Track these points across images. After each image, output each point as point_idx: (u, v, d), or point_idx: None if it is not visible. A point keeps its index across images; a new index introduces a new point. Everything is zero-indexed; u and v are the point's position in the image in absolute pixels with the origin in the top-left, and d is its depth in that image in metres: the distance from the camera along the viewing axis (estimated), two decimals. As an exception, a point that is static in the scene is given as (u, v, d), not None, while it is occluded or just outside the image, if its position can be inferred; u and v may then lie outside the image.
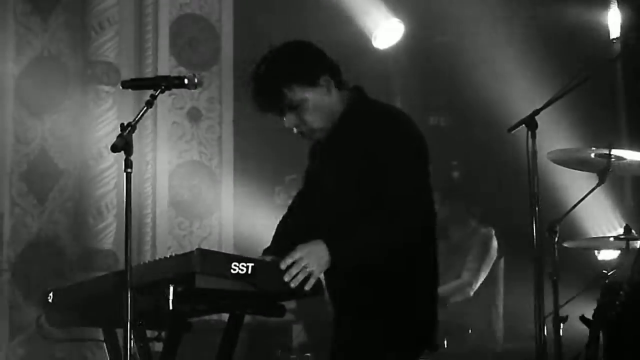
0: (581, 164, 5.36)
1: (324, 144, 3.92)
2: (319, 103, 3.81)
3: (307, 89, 3.79)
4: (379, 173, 3.68)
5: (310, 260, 3.56)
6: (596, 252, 6.34)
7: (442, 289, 6.23)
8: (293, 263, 3.55)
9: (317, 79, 3.80)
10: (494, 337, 6.29)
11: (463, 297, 6.23)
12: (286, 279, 3.53)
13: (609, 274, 4.98)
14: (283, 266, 3.54)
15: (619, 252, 5.40)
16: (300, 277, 3.54)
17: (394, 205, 3.65)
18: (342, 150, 3.83)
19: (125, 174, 3.54)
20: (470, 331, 6.00)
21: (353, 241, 3.65)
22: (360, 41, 7.57)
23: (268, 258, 3.86)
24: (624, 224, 5.36)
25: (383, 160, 3.69)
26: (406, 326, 3.74)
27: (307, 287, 3.55)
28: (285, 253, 3.66)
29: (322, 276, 3.72)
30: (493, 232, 6.41)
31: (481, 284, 6.34)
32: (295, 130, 3.87)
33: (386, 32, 7.72)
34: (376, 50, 7.76)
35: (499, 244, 6.43)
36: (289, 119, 3.84)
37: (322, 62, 3.86)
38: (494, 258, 6.35)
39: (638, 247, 5.08)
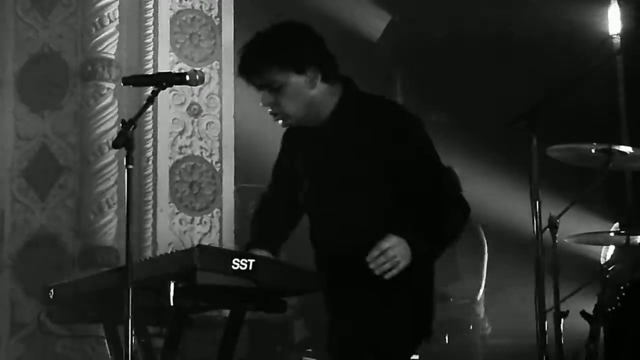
0: (581, 160, 5.36)
1: (314, 140, 3.87)
2: (299, 91, 3.76)
3: (290, 74, 3.75)
4: (409, 161, 3.70)
5: (398, 252, 3.59)
6: (597, 256, 6.36)
7: (446, 290, 6.25)
8: (381, 253, 3.58)
9: (304, 67, 3.75)
10: (480, 331, 6.28)
11: (470, 299, 6.21)
12: (372, 266, 3.56)
13: (609, 269, 4.98)
14: (370, 257, 3.57)
15: (619, 247, 5.40)
16: (387, 267, 3.58)
17: (447, 192, 3.72)
18: (349, 143, 3.79)
19: (126, 170, 3.54)
20: (471, 327, 5.99)
21: (430, 237, 3.68)
22: (361, 37, 7.57)
23: (265, 253, 3.85)
24: (624, 219, 5.36)
25: (409, 147, 3.71)
26: (405, 320, 3.74)
27: (387, 277, 3.57)
28: (277, 247, 3.68)
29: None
30: (479, 225, 6.38)
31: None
32: (269, 110, 3.83)
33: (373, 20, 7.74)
34: (377, 47, 7.77)
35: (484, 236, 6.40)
36: (265, 97, 3.80)
37: (315, 51, 3.81)
38: (486, 251, 6.33)
39: (638, 242, 5.08)
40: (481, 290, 6.24)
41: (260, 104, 3.83)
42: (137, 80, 4.03)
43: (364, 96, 3.89)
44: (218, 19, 7.60)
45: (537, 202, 4.49)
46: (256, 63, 3.77)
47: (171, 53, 7.40)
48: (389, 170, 3.71)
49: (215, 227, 7.45)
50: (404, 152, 3.71)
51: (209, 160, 7.46)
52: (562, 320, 4.76)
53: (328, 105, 3.82)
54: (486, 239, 6.40)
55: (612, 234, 5.41)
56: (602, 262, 6.26)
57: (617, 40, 6.68)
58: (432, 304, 3.85)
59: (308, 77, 3.76)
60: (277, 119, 3.86)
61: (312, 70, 3.77)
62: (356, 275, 3.70)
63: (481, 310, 6.34)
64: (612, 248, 5.98)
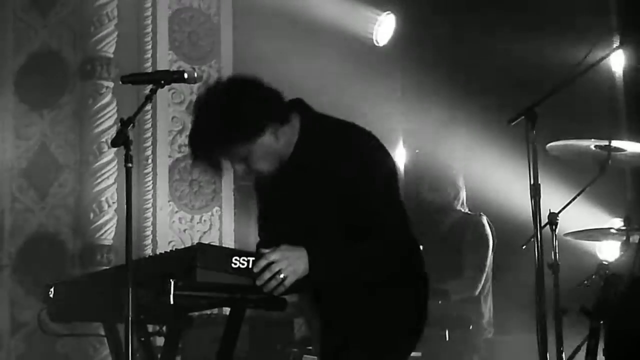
0: (581, 156, 5.36)
1: (283, 175, 3.78)
2: (268, 149, 3.66)
3: (252, 141, 3.63)
4: (350, 192, 3.62)
5: (285, 266, 3.50)
6: (597, 253, 6.35)
7: (446, 287, 6.23)
8: (267, 266, 3.50)
9: (261, 129, 3.63)
10: (486, 325, 6.26)
11: (469, 295, 6.18)
12: (258, 283, 3.49)
13: (609, 265, 4.97)
14: (256, 269, 3.48)
15: (619, 243, 5.39)
16: (273, 284, 3.49)
17: (374, 223, 3.62)
18: (306, 176, 3.73)
19: (125, 168, 3.54)
20: (471, 327, 5.97)
21: (334, 256, 3.60)
22: (360, 36, 7.57)
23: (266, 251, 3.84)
24: (624, 216, 5.36)
25: (352, 178, 3.63)
26: (399, 330, 3.74)
27: (276, 293, 3.50)
28: None
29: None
30: (485, 219, 6.36)
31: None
32: (242, 175, 3.76)
33: (381, 26, 7.73)
34: (375, 46, 7.76)
35: (491, 231, 6.36)
36: (237, 169, 3.72)
37: (265, 108, 3.65)
38: (491, 246, 6.29)
39: (638, 239, 5.08)
40: (480, 285, 6.20)
41: (236, 175, 3.78)
42: (136, 79, 4.02)
43: (321, 123, 3.78)
44: (217, 17, 7.60)
45: (537, 199, 4.48)
46: (214, 151, 3.67)
47: (170, 51, 7.40)
48: (340, 202, 3.66)
49: (215, 225, 7.45)
50: (340, 184, 3.63)
51: (209, 158, 7.46)
52: (562, 316, 4.76)
53: (291, 144, 3.75)
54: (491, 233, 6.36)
55: (612, 231, 5.40)
56: (601, 259, 6.26)
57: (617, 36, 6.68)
58: (423, 305, 3.84)
59: (271, 134, 3.66)
60: (250, 179, 3.83)
61: (272, 126, 3.66)
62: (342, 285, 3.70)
63: (486, 311, 6.28)
64: (610, 244, 5.97)
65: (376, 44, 7.84)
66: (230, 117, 3.60)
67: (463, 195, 6.49)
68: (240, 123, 3.60)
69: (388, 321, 3.72)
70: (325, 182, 3.68)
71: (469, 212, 6.45)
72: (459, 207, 6.44)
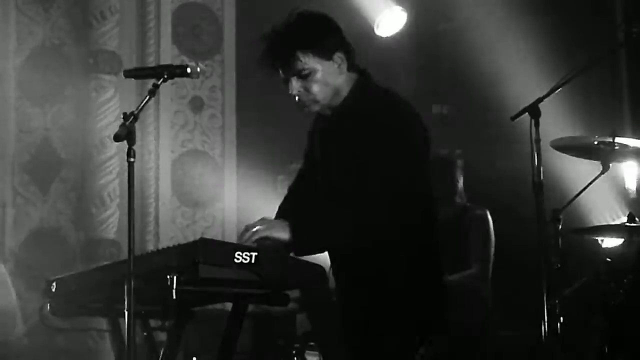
0: (584, 152, 5.35)
1: (323, 128, 3.91)
2: (328, 77, 3.78)
3: (321, 60, 3.77)
4: (362, 165, 3.68)
5: (264, 228, 3.62)
6: (600, 240, 6.33)
7: (451, 279, 6.22)
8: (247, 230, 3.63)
9: (332, 53, 3.78)
10: (483, 324, 6.25)
11: (480, 284, 6.16)
12: (237, 241, 3.61)
13: (612, 261, 4.97)
14: (238, 239, 3.61)
15: (622, 240, 5.38)
16: (247, 235, 3.61)
17: (363, 199, 3.64)
18: (339, 137, 3.82)
19: (127, 163, 3.53)
20: (465, 322, 5.95)
21: (316, 226, 3.66)
22: (363, 28, 7.55)
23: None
24: (628, 212, 5.35)
25: (367, 154, 3.68)
26: (407, 311, 3.72)
27: (253, 238, 3.60)
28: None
29: (326, 266, 3.72)
30: (488, 212, 6.34)
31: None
32: (296, 98, 3.83)
33: (389, 19, 7.70)
34: (379, 38, 7.74)
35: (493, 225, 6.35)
36: (294, 85, 3.80)
37: (340, 38, 3.84)
38: (494, 240, 6.28)
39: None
40: (487, 278, 6.18)
41: (290, 92, 3.83)
42: (138, 73, 4.02)
43: (373, 89, 3.89)
44: (220, 11, 7.59)
45: (540, 195, 4.47)
46: (286, 52, 3.78)
47: (173, 46, 7.39)
48: (348, 168, 3.74)
49: (218, 220, 7.45)
50: (368, 148, 3.69)
51: (211, 153, 7.46)
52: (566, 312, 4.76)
53: (343, 94, 3.85)
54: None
55: (616, 227, 5.40)
56: (604, 255, 6.25)
57: (621, 32, 6.67)
58: (436, 296, 3.82)
59: (336, 63, 3.80)
60: (303, 106, 3.86)
61: (339, 57, 3.80)
62: (352, 268, 3.72)
63: (473, 303, 6.26)
64: (614, 241, 5.97)
65: (381, 38, 7.82)
66: (310, 30, 3.78)
67: (460, 186, 6.48)
68: (317, 37, 3.76)
69: (397, 306, 3.71)
70: (350, 144, 3.75)
71: (470, 204, 6.43)
72: (456, 199, 6.43)
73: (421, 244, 3.78)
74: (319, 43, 3.77)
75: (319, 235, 3.67)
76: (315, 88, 3.78)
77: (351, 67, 3.84)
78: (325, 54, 3.77)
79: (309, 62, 3.76)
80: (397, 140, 3.72)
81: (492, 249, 6.25)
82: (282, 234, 3.62)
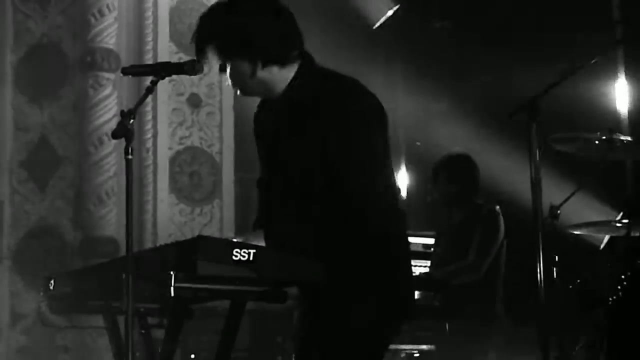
0: (582, 149, 5.35)
1: (270, 116, 3.78)
2: (242, 74, 3.70)
3: (232, 58, 3.71)
4: (314, 150, 3.59)
5: None
6: (597, 236, 6.34)
7: (447, 270, 6.22)
8: None
9: (243, 56, 3.68)
10: (499, 318, 6.23)
11: (471, 279, 6.13)
12: None
13: (609, 257, 4.97)
14: None
15: (620, 236, 5.39)
16: None
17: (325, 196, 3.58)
18: (290, 127, 3.69)
19: (125, 160, 3.53)
20: (467, 317, 5.95)
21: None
22: (360, 24, 7.56)
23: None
24: (625, 209, 5.36)
25: (327, 128, 3.57)
26: (376, 304, 3.69)
27: None
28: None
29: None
30: (499, 209, 6.33)
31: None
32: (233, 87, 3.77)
33: (381, 13, 7.73)
34: (376, 34, 7.75)
35: (504, 223, 6.31)
36: (230, 78, 3.75)
37: (263, 41, 3.67)
38: (502, 237, 6.25)
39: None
40: (483, 269, 6.16)
41: (226, 83, 3.79)
42: (136, 70, 4.02)
43: (317, 73, 3.73)
44: (217, 8, 7.57)
45: (538, 192, 4.47)
46: (202, 34, 3.74)
47: (170, 43, 7.39)
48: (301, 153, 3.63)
49: (216, 217, 7.45)
50: (313, 139, 3.59)
51: (209, 150, 7.46)
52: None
53: (283, 82, 3.71)
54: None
55: (613, 224, 5.40)
56: (602, 251, 6.26)
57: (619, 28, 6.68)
58: (400, 284, 3.76)
59: (249, 66, 3.68)
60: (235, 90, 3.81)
61: (252, 61, 3.68)
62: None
63: (499, 305, 6.23)
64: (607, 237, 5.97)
65: (374, 30, 7.82)
66: (231, 24, 3.68)
67: (479, 187, 6.49)
68: (233, 35, 3.66)
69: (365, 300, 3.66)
70: (304, 126, 3.63)
71: (482, 203, 6.43)
72: (475, 199, 6.44)
73: (380, 230, 3.65)
74: (229, 43, 3.69)
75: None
76: (233, 78, 3.73)
77: (280, 63, 3.67)
78: (236, 55, 3.69)
79: (217, 55, 3.74)
80: (352, 121, 3.59)
81: (495, 244, 6.23)
82: None
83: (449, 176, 6.40)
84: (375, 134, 3.65)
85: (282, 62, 3.68)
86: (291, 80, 3.70)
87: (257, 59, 3.67)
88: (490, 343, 6.10)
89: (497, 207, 6.32)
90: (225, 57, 3.72)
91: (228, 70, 3.77)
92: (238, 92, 3.82)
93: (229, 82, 3.80)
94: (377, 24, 7.75)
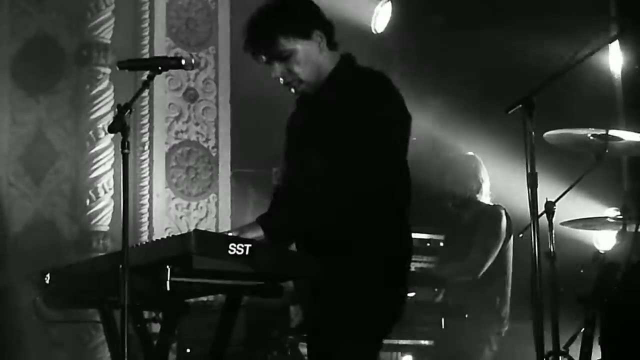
0: (578, 145, 5.36)
1: (307, 105, 3.94)
2: (309, 56, 3.84)
3: (299, 41, 3.83)
4: (344, 138, 3.70)
5: None
6: (594, 241, 6.35)
7: (447, 269, 6.22)
8: None
9: (310, 32, 3.85)
10: (500, 319, 6.22)
11: (470, 278, 6.14)
12: None
13: (605, 253, 4.98)
14: None
15: (615, 234, 5.39)
16: None
17: (339, 170, 3.68)
18: (323, 106, 3.85)
19: (122, 154, 3.54)
20: (467, 316, 5.94)
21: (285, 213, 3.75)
22: (358, 22, 7.56)
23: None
24: (621, 205, 5.36)
25: (349, 122, 3.71)
26: (373, 308, 3.73)
27: None
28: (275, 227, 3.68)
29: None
30: (503, 210, 6.32)
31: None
32: (281, 80, 3.89)
33: (379, 14, 7.74)
34: (373, 34, 7.75)
35: (508, 224, 6.30)
36: (277, 69, 3.86)
37: (317, 16, 3.91)
38: (504, 237, 6.24)
39: (635, 227, 5.08)
40: (482, 269, 6.16)
41: (273, 76, 3.88)
42: (133, 65, 4.02)
43: (357, 68, 3.94)
44: (214, 3, 7.57)
45: (534, 188, 4.47)
46: (263, 36, 3.84)
47: (167, 38, 7.38)
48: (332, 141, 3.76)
49: (212, 212, 7.44)
50: (353, 125, 3.71)
51: (206, 145, 7.46)
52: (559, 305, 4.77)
53: (327, 71, 3.90)
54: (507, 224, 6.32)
55: (609, 220, 5.41)
56: (597, 247, 6.26)
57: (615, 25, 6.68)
58: (398, 283, 3.82)
59: (315, 42, 3.85)
60: (291, 88, 3.91)
61: (318, 35, 3.86)
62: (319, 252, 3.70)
63: (498, 303, 6.22)
64: (606, 233, 5.98)
65: (374, 32, 7.83)
66: (286, 11, 3.85)
67: (486, 187, 6.48)
68: (293, 18, 3.84)
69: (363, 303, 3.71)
70: (333, 111, 3.80)
71: (490, 204, 6.43)
72: (481, 199, 6.44)
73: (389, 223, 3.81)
74: (296, 24, 3.84)
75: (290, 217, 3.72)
76: (297, 68, 3.84)
77: (331, 45, 3.91)
78: (303, 34, 3.84)
79: (288, 44, 3.82)
80: (381, 112, 3.75)
81: (496, 245, 6.22)
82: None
83: (455, 178, 6.40)
84: (406, 129, 3.82)
85: (334, 43, 3.91)
86: (331, 72, 3.89)
87: (324, 26, 3.87)
88: (488, 339, 6.10)
89: (502, 207, 6.32)
90: (299, 35, 3.83)
91: (281, 68, 3.84)
92: (292, 89, 3.93)
93: (282, 80, 3.89)
94: (381, 30, 7.78)
